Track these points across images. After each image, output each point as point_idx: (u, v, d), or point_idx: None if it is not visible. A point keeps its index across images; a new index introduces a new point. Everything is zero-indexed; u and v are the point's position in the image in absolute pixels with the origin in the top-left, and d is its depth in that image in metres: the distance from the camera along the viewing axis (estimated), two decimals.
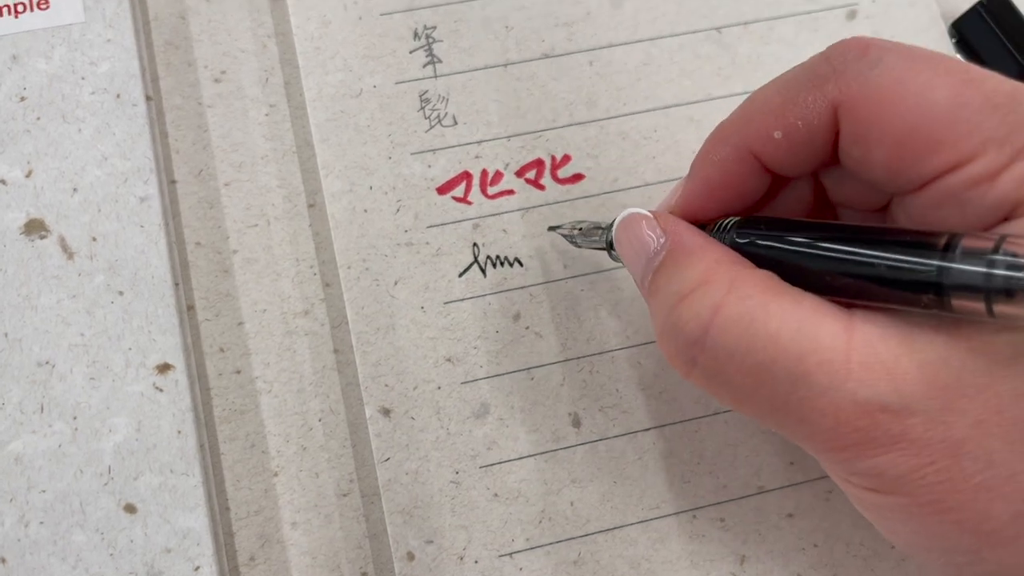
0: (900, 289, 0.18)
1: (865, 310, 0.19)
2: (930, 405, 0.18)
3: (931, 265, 0.17)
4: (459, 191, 0.30)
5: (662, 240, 0.23)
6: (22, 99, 0.29)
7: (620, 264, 0.26)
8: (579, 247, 0.29)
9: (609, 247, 0.26)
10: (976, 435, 0.18)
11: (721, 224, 0.22)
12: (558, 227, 0.29)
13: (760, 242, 0.21)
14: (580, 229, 0.28)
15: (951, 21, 0.34)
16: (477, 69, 0.31)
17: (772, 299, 0.20)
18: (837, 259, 0.19)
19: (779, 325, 0.19)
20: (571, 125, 0.31)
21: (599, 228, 0.27)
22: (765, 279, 0.20)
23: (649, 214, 0.23)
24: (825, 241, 0.20)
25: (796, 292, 0.20)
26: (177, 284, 0.29)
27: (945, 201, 0.19)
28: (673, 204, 0.24)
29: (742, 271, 0.21)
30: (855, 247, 0.19)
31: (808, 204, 0.24)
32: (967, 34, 0.34)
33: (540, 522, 0.28)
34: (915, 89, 0.19)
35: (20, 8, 0.30)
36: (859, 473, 0.19)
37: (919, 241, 0.18)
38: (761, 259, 0.21)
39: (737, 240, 0.22)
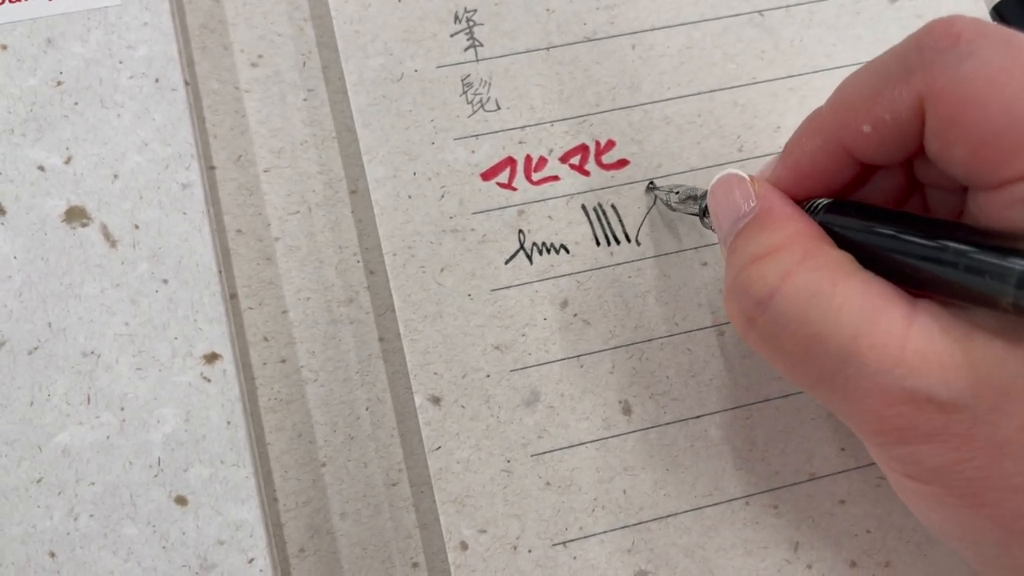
0: (979, 289, 0.18)
1: (931, 303, 0.19)
2: (978, 404, 0.18)
3: (1013, 269, 0.17)
4: (503, 177, 0.30)
5: (752, 204, 0.23)
6: (59, 84, 0.28)
7: (711, 233, 0.26)
8: (673, 211, 0.29)
9: (702, 214, 0.26)
10: (1021, 439, 0.18)
11: (813, 205, 0.22)
12: (656, 188, 0.29)
13: (846, 226, 0.21)
14: (677, 193, 0.28)
15: (992, 5, 0.34)
16: (519, 53, 0.31)
17: (841, 277, 0.20)
18: (920, 254, 0.19)
19: (842, 303, 0.19)
20: (615, 110, 0.31)
21: (694, 195, 0.27)
22: (840, 257, 0.21)
23: (746, 177, 0.24)
24: (910, 234, 0.20)
25: (867, 275, 0.20)
26: (220, 272, 0.28)
27: (1016, 204, 0.19)
28: (765, 181, 0.24)
29: (820, 245, 0.21)
30: (939, 241, 0.19)
31: (900, 188, 0.24)
32: (1008, 18, 0.33)
33: (593, 510, 0.28)
34: (1006, 91, 0.18)
35: None
36: (898, 458, 0.20)
37: (1003, 246, 0.18)
38: (845, 242, 0.21)
39: (824, 222, 0.22)
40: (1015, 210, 0.19)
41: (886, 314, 0.19)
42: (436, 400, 0.28)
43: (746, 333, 0.22)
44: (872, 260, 0.20)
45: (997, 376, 0.18)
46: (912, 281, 0.20)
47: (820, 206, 0.22)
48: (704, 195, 0.26)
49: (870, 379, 0.19)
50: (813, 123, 0.23)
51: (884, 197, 0.24)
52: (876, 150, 0.21)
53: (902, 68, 0.20)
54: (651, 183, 0.30)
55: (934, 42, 0.19)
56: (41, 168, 0.28)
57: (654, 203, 0.30)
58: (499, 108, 0.30)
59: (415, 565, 0.28)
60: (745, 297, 0.21)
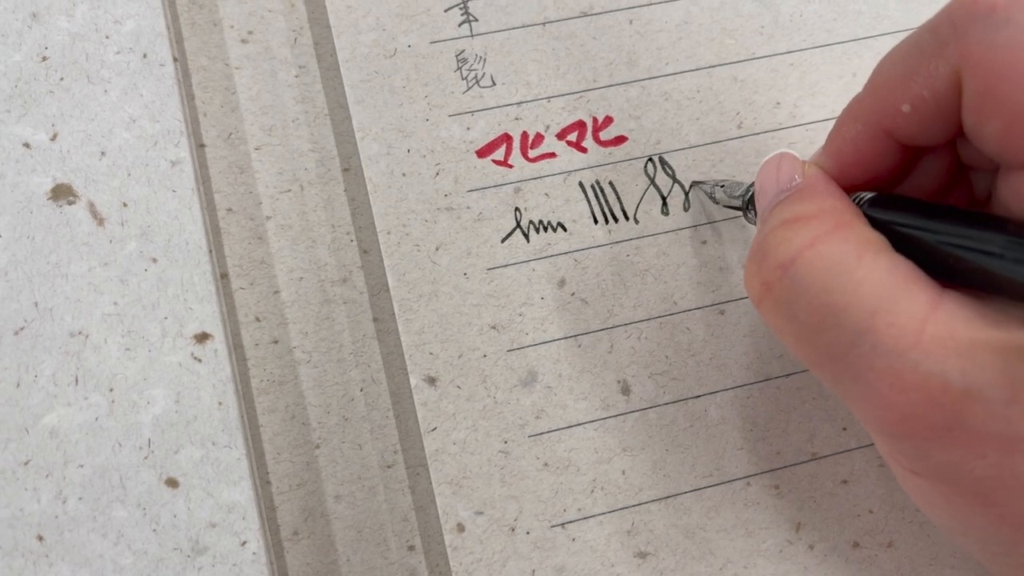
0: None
1: (959, 293, 0.19)
2: (994, 395, 0.17)
3: None
4: (499, 154, 0.29)
5: (797, 180, 0.22)
6: (44, 59, 0.28)
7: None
8: (716, 203, 0.29)
9: (746, 208, 0.26)
10: None
11: (857, 198, 0.22)
12: (701, 183, 0.29)
13: (890, 219, 0.21)
14: (723, 186, 0.28)
15: None
16: (515, 28, 0.30)
17: (868, 252, 0.19)
18: (967, 245, 0.19)
19: (865, 277, 0.19)
20: (612, 86, 0.30)
21: (738, 189, 0.27)
22: (872, 235, 0.20)
23: (798, 157, 0.23)
24: (957, 224, 0.19)
25: (897, 256, 0.19)
26: (211, 251, 0.27)
27: None
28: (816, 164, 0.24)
29: (853, 220, 0.20)
30: (988, 233, 0.18)
31: (947, 171, 0.23)
32: None
33: (592, 491, 0.27)
34: None
35: None
36: (905, 452, 0.19)
37: None
38: (888, 232, 0.20)
39: (868, 215, 0.21)
40: None
41: (909, 295, 0.18)
42: (432, 381, 0.27)
43: (761, 299, 0.21)
44: (914, 250, 0.20)
45: (1017, 367, 0.17)
46: (952, 273, 0.19)
47: (864, 199, 0.21)
48: (749, 188, 0.25)
49: (884, 360, 0.18)
50: (852, 109, 0.22)
51: (931, 181, 0.23)
52: (917, 130, 0.21)
53: (935, 42, 0.19)
54: (693, 181, 0.30)
55: (967, 12, 0.19)
56: (27, 145, 0.27)
57: (651, 181, 0.29)
58: (494, 84, 0.30)
59: (411, 548, 0.27)
60: (767, 259, 0.21)
